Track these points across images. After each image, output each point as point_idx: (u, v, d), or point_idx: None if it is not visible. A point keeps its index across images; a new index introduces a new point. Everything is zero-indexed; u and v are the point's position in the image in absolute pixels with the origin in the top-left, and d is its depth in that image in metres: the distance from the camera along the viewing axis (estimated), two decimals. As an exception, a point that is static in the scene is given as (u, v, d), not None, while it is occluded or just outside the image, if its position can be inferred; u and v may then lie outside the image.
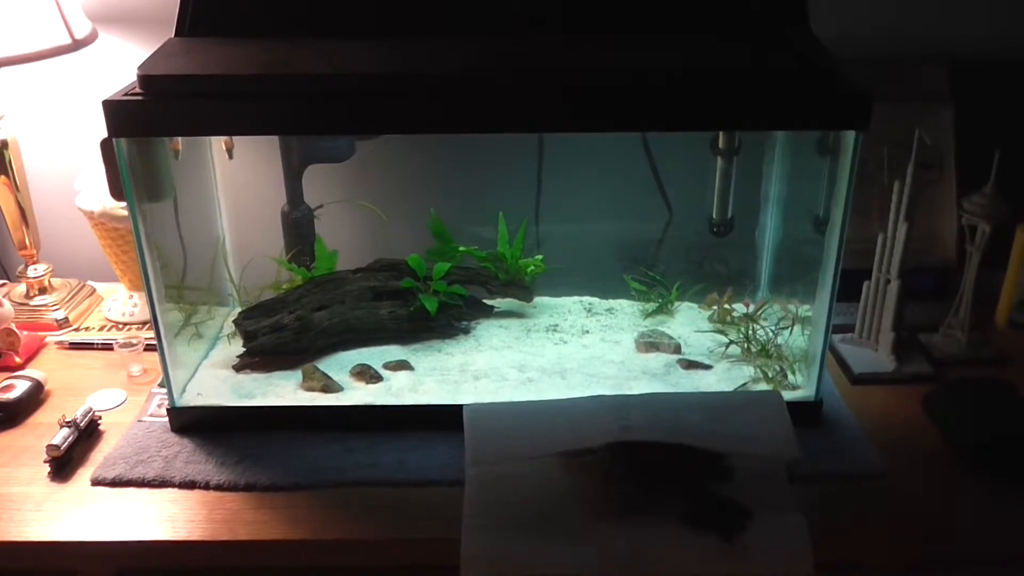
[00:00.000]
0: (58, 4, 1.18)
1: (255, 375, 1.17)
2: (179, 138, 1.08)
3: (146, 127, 0.96)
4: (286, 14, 1.05)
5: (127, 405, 1.17)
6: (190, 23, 1.04)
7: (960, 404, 1.11)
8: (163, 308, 1.06)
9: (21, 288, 1.38)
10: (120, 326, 1.35)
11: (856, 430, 1.09)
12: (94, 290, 1.43)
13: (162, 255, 1.06)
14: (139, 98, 0.94)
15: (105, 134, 0.95)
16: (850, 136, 0.97)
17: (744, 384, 1.14)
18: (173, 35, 1.05)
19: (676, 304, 1.32)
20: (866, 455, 1.05)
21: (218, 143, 1.23)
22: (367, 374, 1.16)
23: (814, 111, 0.95)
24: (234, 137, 1.23)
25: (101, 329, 1.35)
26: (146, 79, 0.94)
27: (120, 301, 1.38)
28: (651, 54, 1.00)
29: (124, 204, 1.16)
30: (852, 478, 1.02)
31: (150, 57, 0.98)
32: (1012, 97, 1.35)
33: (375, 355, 1.20)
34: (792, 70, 0.95)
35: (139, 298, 1.37)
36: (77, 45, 1.20)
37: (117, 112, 0.93)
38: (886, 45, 1.34)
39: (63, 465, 1.05)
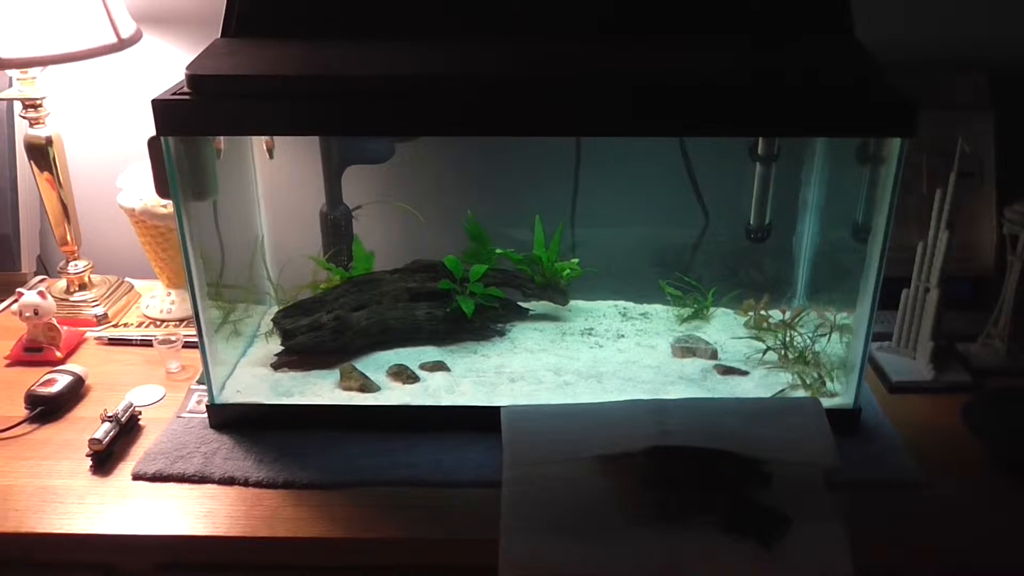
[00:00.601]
0: (105, 4, 1.20)
1: (293, 373, 1.18)
2: (222, 139, 1.10)
3: (193, 126, 0.97)
4: (330, 16, 1.06)
5: (166, 401, 1.18)
6: (236, 24, 1.05)
7: (1000, 414, 1.11)
8: (205, 307, 1.07)
9: (61, 284, 1.40)
10: (158, 323, 1.37)
11: (894, 438, 1.09)
12: (132, 287, 1.45)
13: (203, 253, 1.07)
14: (187, 98, 0.95)
15: (152, 132, 0.96)
16: (895, 143, 0.96)
17: (782, 391, 1.13)
18: (219, 36, 1.06)
19: (712, 310, 1.32)
20: (904, 464, 1.05)
21: (259, 143, 1.24)
22: (404, 374, 1.16)
23: (860, 118, 0.94)
24: (276, 137, 1.24)
25: (139, 325, 1.36)
26: (194, 79, 0.95)
27: (158, 298, 1.40)
28: (694, 58, 1.00)
29: (166, 202, 1.18)
30: (890, 486, 1.02)
31: (198, 57, 0.99)
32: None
33: (412, 355, 1.21)
34: (837, 76, 0.95)
35: (176, 295, 1.38)
36: (123, 45, 1.22)
37: (165, 111, 0.94)
38: (925, 51, 1.34)
39: (104, 459, 1.06)
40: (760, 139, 1.21)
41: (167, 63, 1.35)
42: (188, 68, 0.96)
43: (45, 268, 1.52)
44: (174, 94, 0.95)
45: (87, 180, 1.42)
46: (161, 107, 0.94)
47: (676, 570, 0.90)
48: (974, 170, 1.31)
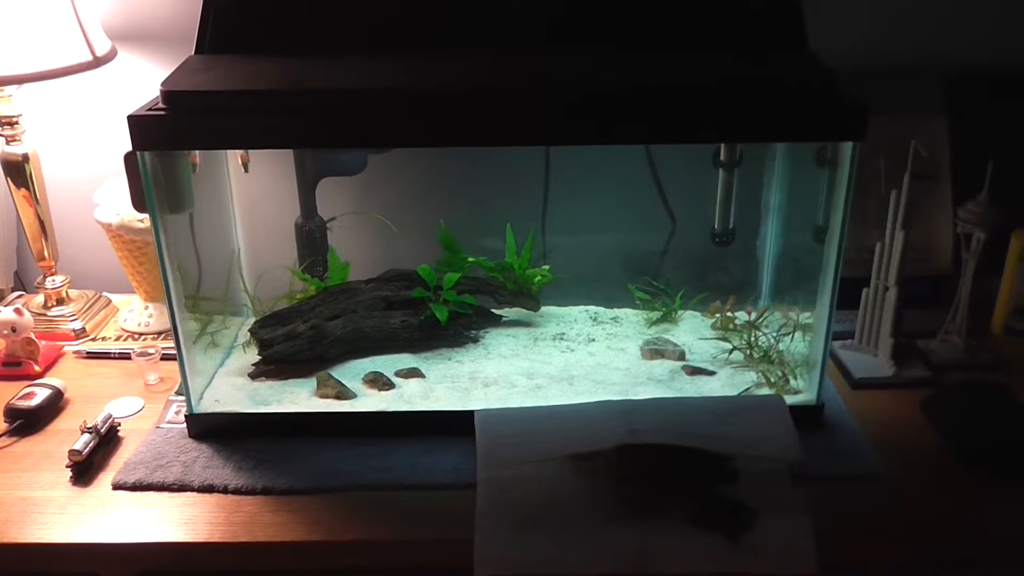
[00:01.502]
0: (80, 23, 1.21)
1: (270, 383, 1.20)
2: (197, 153, 1.12)
3: (169, 141, 1.00)
4: (302, 32, 1.09)
5: (144, 412, 1.19)
6: (210, 41, 1.07)
7: (957, 407, 1.14)
8: (182, 318, 1.09)
9: (39, 299, 1.41)
10: (136, 336, 1.38)
11: (857, 433, 1.12)
12: (110, 301, 1.46)
13: (180, 267, 1.09)
14: (162, 113, 0.97)
15: (128, 148, 0.98)
16: (848, 147, 1.00)
17: (747, 389, 1.17)
18: (193, 52, 1.08)
19: (680, 312, 1.35)
20: (867, 457, 1.08)
21: (234, 157, 1.26)
22: (379, 381, 1.18)
23: (813, 123, 0.98)
24: (250, 151, 1.26)
25: (117, 339, 1.38)
26: (169, 95, 0.97)
27: (136, 312, 1.41)
28: (653, 69, 1.03)
29: (143, 216, 1.20)
30: (854, 479, 1.05)
31: (172, 74, 1.01)
32: (1005, 108, 1.38)
33: (387, 363, 1.23)
34: (791, 83, 0.99)
35: (154, 308, 1.39)
36: (98, 62, 1.23)
37: (141, 127, 0.96)
38: (882, 58, 1.37)
39: (84, 470, 1.07)
40: (722, 145, 1.25)
41: (142, 80, 1.37)
42: (163, 84, 0.98)
43: (22, 284, 1.53)
44: (149, 110, 0.97)
45: (64, 196, 1.44)
46: (137, 123, 0.96)
47: (647, 564, 0.93)
48: (930, 172, 1.35)
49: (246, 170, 1.27)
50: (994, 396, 1.15)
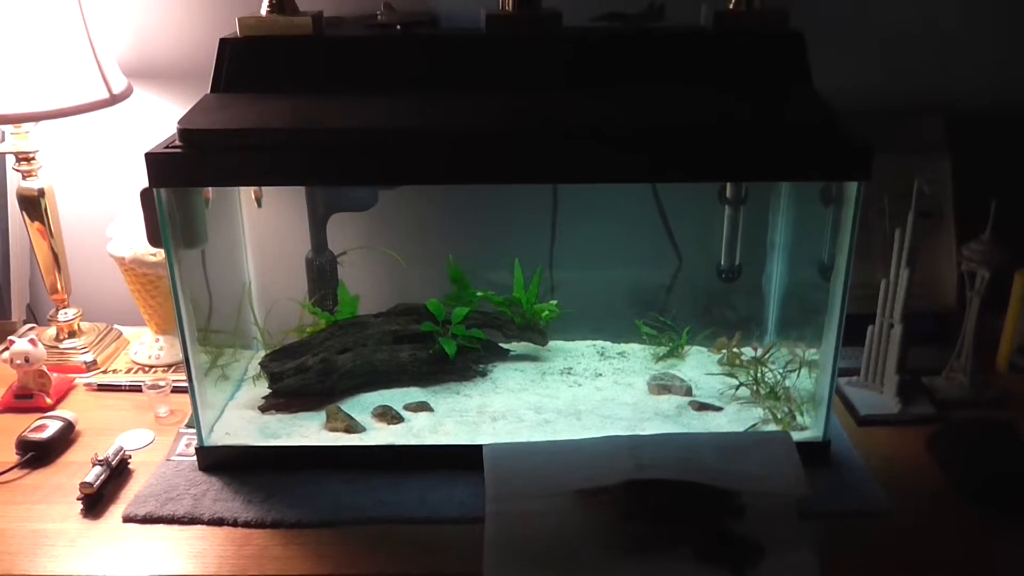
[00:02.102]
0: (98, 61, 1.24)
1: (280, 416, 1.21)
2: (210, 188, 1.14)
3: (185, 178, 1.01)
4: (314, 73, 1.11)
5: (155, 445, 1.20)
6: (226, 80, 1.10)
7: (963, 444, 1.15)
8: (194, 351, 1.10)
9: (51, 331, 1.42)
10: (146, 369, 1.39)
11: (863, 469, 1.12)
12: (120, 334, 1.48)
13: (192, 299, 1.10)
14: (179, 151, 0.99)
15: (144, 184, 1.00)
16: (852, 186, 1.01)
17: (754, 425, 1.17)
18: (207, 91, 1.11)
19: (686, 348, 1.36)
20: (873, 493, 1.08)
21: (247, 192, 1.28)
22: (388, 415, 1.19)
23: (818, 163, 1.00)
24: (263, 187, 1.28)
25: (128, 372, 1.39)
26: (186, 133, 0.99)
27: (146, 345, 1.42)
28: (658, 108, 1.05)
29: (156, 250, 1.21)
30: (860, 515, 1.05)
31: (189, 112, 1.03)
32: (1007, 148, 1.40)
33: (396, 397, 1.24)
34: (796, 123, 1.00)
35: (164, 341, 1.41)
36: (114, 100, 1.26)
37: (158, 163, 0.98)
38: (886, 98, 1.40)
39: (95, 502, 1.08)
40: (728, 183, 1.27)
41: (156, 117, 1.40)
42: (180, 123, 1.00)
43: (34, 316, 1.54)
44: (166, 147, 0.99)
45: (77, 230, 1.46)
46: (154, 160, 0.98)
47: (654, 600, 0.93)
48: (933, 210, 1.37)
49: (259, 205, 1.29)
50: (999, 433, 1.16)
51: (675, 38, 1.12)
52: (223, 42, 1.10)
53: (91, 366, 1.39)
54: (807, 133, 0.99)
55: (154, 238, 1.03)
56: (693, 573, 0.95)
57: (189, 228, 1.07)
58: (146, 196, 1.00)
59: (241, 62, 1.10)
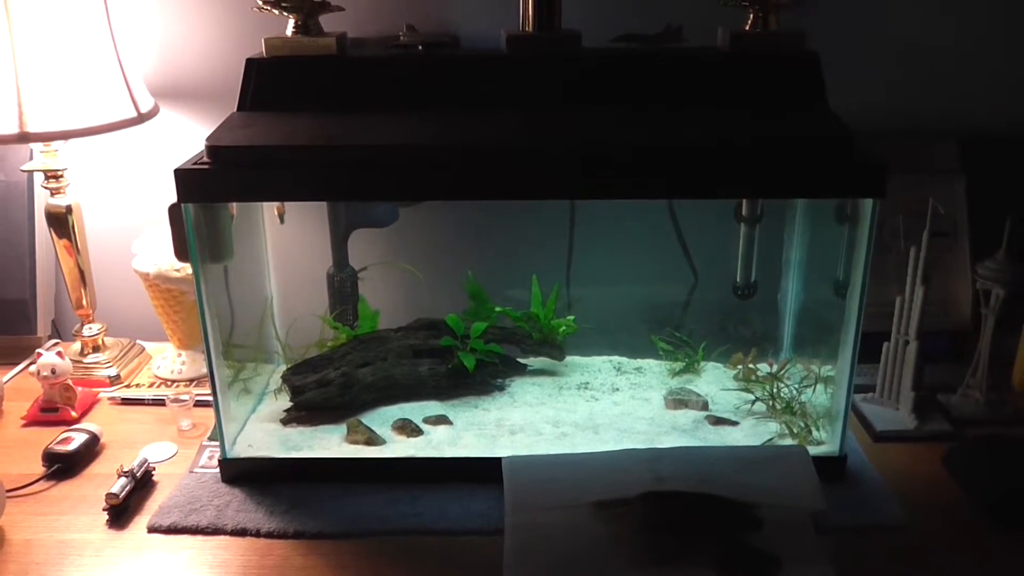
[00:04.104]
0: (127, 81, 1.27)
1: (302, 428, 1.22)
2: (234, 204, 1.16)
3: (212, 193, 1.04)
4: (338, 92, 1.13)
5: (178, 458, 1.22)
6: (252, 98, 1.12)
7: (979, 460, 1.15)
8: (219, 364, 1.12)
9: (76, 346, 1.44)
10: (169, 383, 1.41)
11: (879, 484, 1.13)
12: (143, 349, 1.50)
13: (216, 313, 1.12)
14: (207, 167, 1.01)
15: (172, 200, 1.02)
16: (868, 204, 1.03)
17: (770, 439, 1.18)
18: (229, 110, 1.13)
19: (702, 364, 1.37)
20: (889, 508, 1.09)
21: (270, 209, 1.31)
22: (408, 428, 1.21)
23: (834, 180, 1.01)
24: (286, 203, 1.30)
25: (151, 386, 1.41)
26: (213, 149, 1.01)
27: (169, 359, 1.44)
28: (674, 126, 1.07)
29: (180, 266, 1.24)
30: (876, 530, 1.06)
31: (216, 130, 1.05)
32: (1021, 168, 1.41)
33: (415, 410, 1.25)
34: (812, 141, 1.02)
35: (187, 356, 1.43)
36: (142, 119, 1.29)
37: (187, 180, 1.01)
38: (901, 119, 1.41)
39: (120, 513, 1.09)
40: (744, 201, 1.28)
41: (182, 136, 1.42)
42: (208, 140, 1.02)
43: (59, 332, 1.57)
44: (194, 164, 1.02)
45: (102, 246, 1.48)
46: (183, 176, 1.00)
47: (672, 611, 0.94)
48: (948, 230, 1.38)
49: (282, 221, 1.31)
50: (1016, 450, 1.16)
51: (692, 59, 1.14)
52: (249, 62, 1.13)
53: (115, 380, 1.41)
54: (822, 151, 1.01)
55: (181, 253, 1.05)
56: (711, 585, 0.96)
57: (215, 243, 1.09)
58: (174, 211, 1.03)
59: (267, 81, 1.12)
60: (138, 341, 1.50)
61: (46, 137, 1.24)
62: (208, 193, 1.03)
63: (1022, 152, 1.42)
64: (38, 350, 1.31)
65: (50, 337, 1.54)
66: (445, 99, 1.12)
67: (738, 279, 1.34)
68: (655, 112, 1.10)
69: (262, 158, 1.01)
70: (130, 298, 1.50)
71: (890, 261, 1.35)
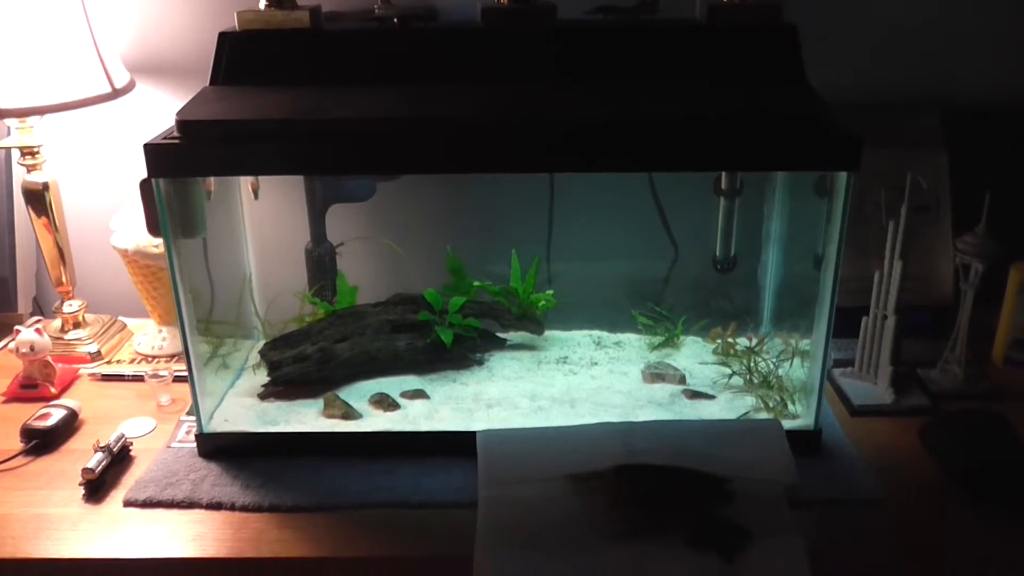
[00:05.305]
0: (100, 56, 1.26)
1: (279, 403, 1.22)
2: (212, 180, 1.15)
3: (183, 168, 1.03)
4: (312, 65, 1.13)
5: (156, 432, 1.22)
6: (224, 73, 1.11)
7: (954, 435, 1.15)
8: (194, 340, 1.12)
9: (56, 323, 1.44)
10: (149, 359, 1.41)
11: (855, 459, 1.13)
12: (124, 325, 1.49)
13: (193, 290, 1.12)
14: (177, 141, 1.00)
15: (144, 175, 1.01)
16: (842, 177, 1.02)
17: (746, 413, 1.18)
18: (207, 84, 1.12)
19: (682, 338, 1.37)
20: (864, 482, 1.09)
21: (247, 184, 1.30)
22: (385, 402, 1.21)
23: (808, 153, 1.00)
24: (261, 178, 1.30)
25: (131, 362, 1.41)
26: (184, 124, 1.01)
27: (149, 335, 1.44)
28: (655, 100, 1.06)
29: (158, 242, 1.23)
30: (850, 504, 1.06)
31: (187, 104, 1.05)
32: (1003, 141, 1.41)
33: (393, 384, 1.25)
34: (787, 114, 1.01)
35: (167, 332, 1.43)
36: (117, 94, 1.28)
37: (157, 154, 1.00)
38: (882, 93, 1.41)
39: (97, 488, 1.10)
40: (723, 174, 1.28)
41: (158, 110, 1.42)
42: (178, 114, 1.01)
43: (40, 309, 1.57)
44: (165, 138, 1.01)
45: (81, 223, 1.48)
46: (152, 151, 1.00)
47: (643, 583, 0.94)
48: (929, 204, 1.38)
49: (256, 196, 1.31)
50: (991, 424, 1.16)
51: (668, 31, 1.13)
52: (222, 36, 1.12)
53: (95, 357, 1.41)
54: (798, 124, 1.00)
55: (153, 228, 1.04)
56: (683, 557, 0.96)
57: (187, 218, 1.08)
58: (145, 187, 1.02)
59: (240, 55, 1.11)
60: (120, 317, 1.50)
61: (21, 113, 1.23)
62: (178, 167, 1.02)
63: (1005, 125, 1.41)
64: (16, 327, 1.31)
65: (32, 314, 1.54)
66: (421, 73, 1.12)
67: (718, 253, 1.34)
68: (630, 85, 1.09)
69: (232, 132, 1.00)
70: (111, 275, 1.50)
71: (872, 236, 1.34)
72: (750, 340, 1.33)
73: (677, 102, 1.05)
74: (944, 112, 1.40)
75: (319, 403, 1.21)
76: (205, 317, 1.18)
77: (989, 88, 1.41)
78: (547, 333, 1.39)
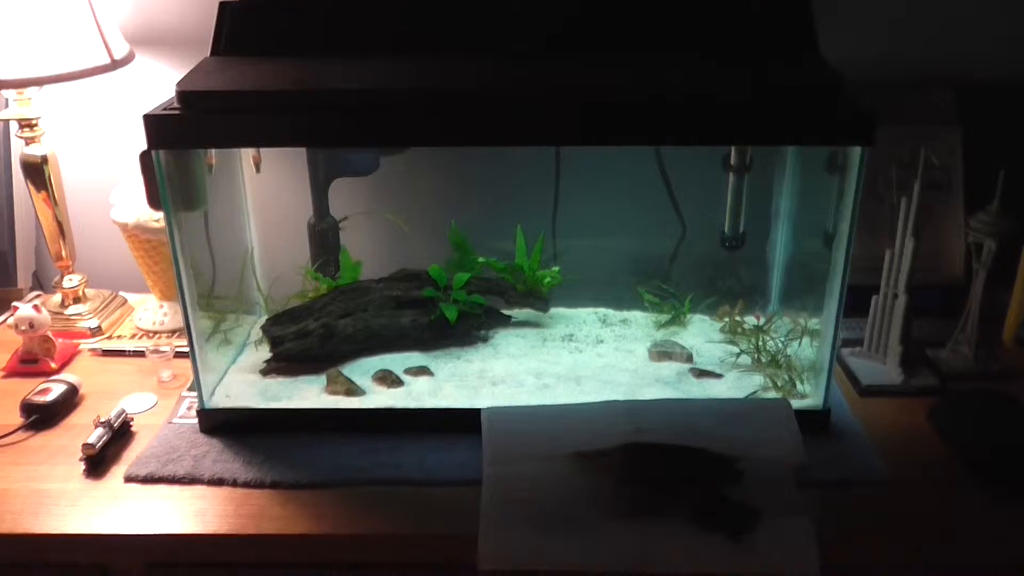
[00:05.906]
0: (99, 27, 1.24)
1: (281, 379, 1.21)
2: (213, 153, 1.14)
3: (183, 139, 1.01)
4: (315, 35, 1.11)
5: (157, 408, 1.21)
6: (225, 43, 1.10)
7: (964, 415, 1.14)
8: (195, 315, 1.11)
9: (56, 298, 1.43)
10: (151, 334, 1.40)
11: (863, 439, 1.12)
12: (125, 300, 1.48)
13: (194, 265, 1.11)
14: (177, 112, 0.99)
15: (144, 147, 1.00)
16: (856, 152, 1.00)
17: (754, 392, 1.17)
18: (208, 55, 1.10)
19: (688, 316, 1.35)
20: (872, 462, 1.08)
21: (247, 158, 1.28)
22: (389, 379, 1.20)
23: (822, 128, 0.98)
24: (264, 152, 1.28)
25: (132, 337, 1.40)
26: (184, 95, 0.99)
27: (151, 311, 1.43)
28: (665, 72, 1.04)
29: (158, 216, 1.22)
30: (858, 483, 1.05)
31: (188, 74, 1.03)
32: (1017, 119, 1.38)
33: (396, 361, 1.24)
34: (800, 88, 0.99)
35: (169, 307, 1.41)
36: (115, 65, 1.26)
37: (157, 126, 0.98)
38: (896, 69, 1.38)
39: (97, 463, 1.09)
40: (733, 150, 1.26)
41: (158, 82, 1.40)
42: (178, 85, 1.00)
43: (40, 284, 1.55)
44: (165, 110, 0.99)
45: (81, 197, 1.46)
46: (152, 122, 0.98)
47: (649, 563, 0.93)
48: (942, 182, 1.36)
49: (258, 170, 1.29)
50: (1002, 405, 1.15)
51: (679, 1, 1.11)
52: (222, 6, 1.10)
53: (96, 332, 1.40)
54: (811, 97, 0.98)
55: (153, 200, 1.03)
56: (689, 537, 0.95)
57: (188, 190, 1.07)
58: (145, 159, 1.00)
59: (240, 26, 1.10)
60: (120, 292, 1.49)
61: (18, 83, 1.22)
62: (178, 139, 1.01)
63: (1020, 102, 1.39)
64: (14, 303, 1.29)
65: (32, 289, 1.53)
66: (424, 42, 1.10)
67: (726, 230, 1.32)
68: (640, 56, 1.07)
69: (233, 103, 0.99)
70: (111, 249, 1.48)
71: (883, 214, 1.32)
72: (758, 318, 1.31)
73: (688, 75, 1.03)
74: (959, 89, 1.37)
75: (322, 379, 1.20)
76: (207, 292, 1.16)
77: (1005, 64, 1.39)
78: (552, 310, 1.37)
